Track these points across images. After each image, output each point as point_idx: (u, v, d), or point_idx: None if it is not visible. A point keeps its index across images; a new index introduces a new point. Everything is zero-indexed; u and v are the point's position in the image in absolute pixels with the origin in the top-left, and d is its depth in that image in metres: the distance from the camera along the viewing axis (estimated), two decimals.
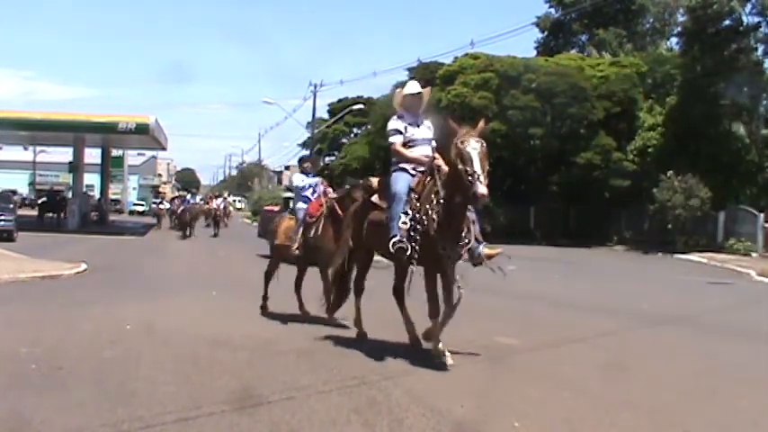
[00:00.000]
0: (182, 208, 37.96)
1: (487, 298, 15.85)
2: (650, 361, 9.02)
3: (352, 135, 67.35)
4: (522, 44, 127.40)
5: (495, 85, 41.05)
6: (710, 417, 6.60)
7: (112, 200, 66.02)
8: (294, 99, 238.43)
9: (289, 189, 31.80)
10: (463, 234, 8.13)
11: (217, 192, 59.29)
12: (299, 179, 12.01)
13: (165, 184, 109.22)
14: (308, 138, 58.18)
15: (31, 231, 30.66)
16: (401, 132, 8.67)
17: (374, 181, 9.22)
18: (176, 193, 61.05)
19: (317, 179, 12.12)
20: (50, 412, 6.01)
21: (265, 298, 11.78)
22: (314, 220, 11.05)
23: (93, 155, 49.73)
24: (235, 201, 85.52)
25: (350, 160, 56.08)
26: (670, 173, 34.68)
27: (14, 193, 44.75)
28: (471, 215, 8.31)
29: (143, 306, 12.37)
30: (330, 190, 11.69)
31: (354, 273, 9.84)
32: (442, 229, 8.04)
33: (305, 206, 11.47)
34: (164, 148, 49.62)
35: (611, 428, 6.10)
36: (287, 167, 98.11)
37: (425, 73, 46.35)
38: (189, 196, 41.13)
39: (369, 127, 57.16)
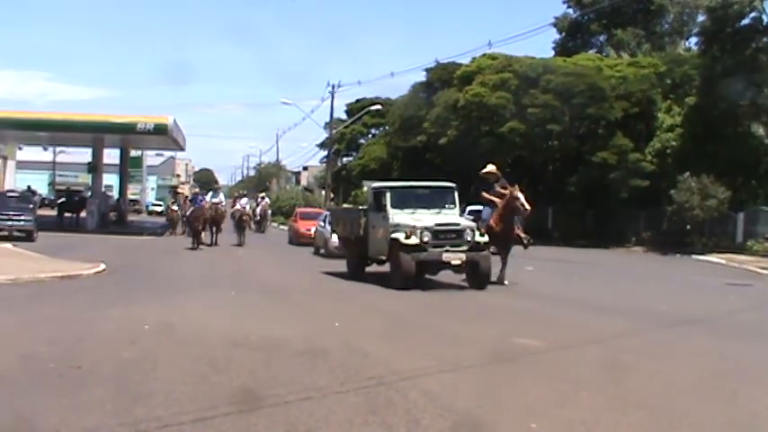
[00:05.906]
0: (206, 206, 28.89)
1: (505, 299, 15.86)
2: (669, 362, 8.96)
3: (369, 135, 67.37)
4: (539, 45, 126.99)
5: (514, 86, 40.94)
6: (730, 419, 6.54)
7: (131, 200, 66.24)
8: (312, 100, 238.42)
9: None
10: None
11: (241, 190, 48.92)
12: None
13: (183, 184, 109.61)
14: (326, 138, 58.16)
15: (50, 231, 30.87)
16: None
17: None
18: (189, 192, 53.61)
19: None
20: (69, 411, 6.05)
21: None
22: None
23: (111, 155, 49.92)
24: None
25: (368, 161, 56.11)
26: (686, 174, 34.45)
27: (34, 193, 44.86)
28: None
29: (161, 306, 12.44)
30: None
31: None
32: None
33: None
34: (182, 149, 49.82)
35: (628, 430, 6.06)
36: (305, 168, 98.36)
37: (443, 73, 46.40)
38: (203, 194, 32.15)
39: (387, 127, 57.18)
